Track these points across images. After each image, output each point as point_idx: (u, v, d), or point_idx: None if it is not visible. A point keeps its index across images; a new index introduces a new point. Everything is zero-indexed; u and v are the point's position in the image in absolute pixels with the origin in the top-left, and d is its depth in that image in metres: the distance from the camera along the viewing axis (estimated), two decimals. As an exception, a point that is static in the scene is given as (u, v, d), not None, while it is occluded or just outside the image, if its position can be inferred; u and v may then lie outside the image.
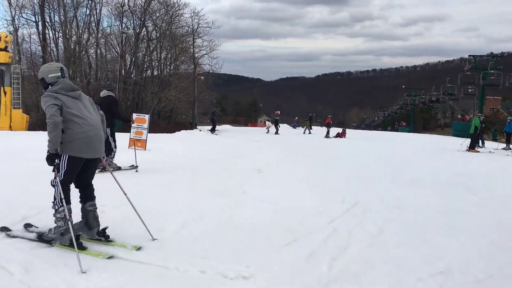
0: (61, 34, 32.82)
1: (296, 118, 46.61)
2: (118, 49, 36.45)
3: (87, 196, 4.50)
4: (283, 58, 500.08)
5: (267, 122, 38.73)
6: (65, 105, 4.16)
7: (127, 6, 36.69)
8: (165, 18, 38.92)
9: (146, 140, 14.20)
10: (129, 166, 9.65)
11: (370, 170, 11.36)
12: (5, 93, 25.28)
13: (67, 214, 4.19)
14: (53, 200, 4.29)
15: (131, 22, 37.93)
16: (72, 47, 32.34)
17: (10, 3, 31.53)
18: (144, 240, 4.56)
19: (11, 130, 24.75)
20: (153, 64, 41.10)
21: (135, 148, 11.52)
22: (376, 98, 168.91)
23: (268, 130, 34.91)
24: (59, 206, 4.22)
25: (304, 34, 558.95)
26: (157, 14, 38.48)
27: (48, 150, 4.13)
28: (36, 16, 32.62)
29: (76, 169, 4.29)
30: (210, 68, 43.69)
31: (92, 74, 36.52)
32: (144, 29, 37.84)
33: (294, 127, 41.58)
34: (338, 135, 29.56)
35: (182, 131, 27.00)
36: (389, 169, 11.68)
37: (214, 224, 5.27)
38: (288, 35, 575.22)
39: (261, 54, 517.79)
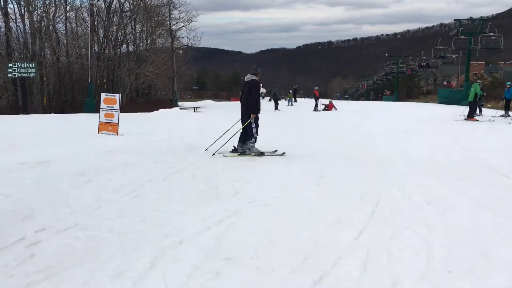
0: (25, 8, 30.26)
1: (291, 91, 45.14)
2: (89, 24, 34.09)
3: None
4: (263, 30, 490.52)
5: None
6: None
7: (95, -24, 34.13)
8: (138, -12, 36.51)
9: (118, 123, 12.51)
10: (273, 152, 8.82)
11: (376, 149, 9.92)
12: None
13: None
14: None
15: (102, -7, 35.39)
16: (37, 21, 29.83)
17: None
18: None
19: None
20: (128, 38, 38.79)
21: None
22: (358, 67, 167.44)
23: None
24: None
25: (284, 4, 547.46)
26: (129, -16, 36.00)
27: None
28: (-4, -11, 29.88)
29: None
30: (189, 41, 41.81)
31: (63, 50, 34.08)
32: (115, 0, 35.41)
33: (289, 102, 40.11)
34: (326, 108, 28.11)
35: (160, 110, 25.26)
36: (396, 148, 10.25)
37: (197, 255, 3.54)
38: (268, 6, 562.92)
39: (241, 26, 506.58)
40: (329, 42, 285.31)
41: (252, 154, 8.53)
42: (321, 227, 4.32)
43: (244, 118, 8.74)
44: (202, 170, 6.99)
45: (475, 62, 61.55)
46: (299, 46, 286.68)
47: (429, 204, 5.21)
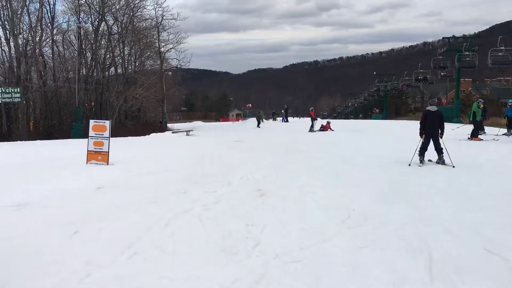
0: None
1: (285, 108, 49.08)
2: (77, 47, 33.24)
3: None
4: (251, 50, 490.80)
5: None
6: None
7: (83, 0, 33.40)
8: (126, 10, 35.84)
9: (108, 152, 11.52)
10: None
11: (398, 181, 8.91)
12: None
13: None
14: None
15: (89, 17, 34.65)
16: (22, 45, 28.87)
17: None
18: None
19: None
20: (116, 61, 37.93)
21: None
22: (345, 86, 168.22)
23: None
24: None
25: (271, 25, 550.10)
26: (117, 7, 35.29)
27: None
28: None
29: None
30: (178, 63, 41.09)
31: (49, 74, 33.03)
32: (103, 23, 34.62)
33: (283, 121, 42.54)
34: (323, 128, 27.31)
35: (152, 134, 24.24)
36: (416, 176, 9.37)
37: None
38: (255, 27, 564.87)
39: (229, 47, 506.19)
40: (316, 62, 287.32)
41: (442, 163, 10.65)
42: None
43: (435, 138, 10.73)
44: (209, 212, 6.02)
45: (462, 80, 61.60)
46: (286, 66, 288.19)
47: (494, 255, 4.29)
